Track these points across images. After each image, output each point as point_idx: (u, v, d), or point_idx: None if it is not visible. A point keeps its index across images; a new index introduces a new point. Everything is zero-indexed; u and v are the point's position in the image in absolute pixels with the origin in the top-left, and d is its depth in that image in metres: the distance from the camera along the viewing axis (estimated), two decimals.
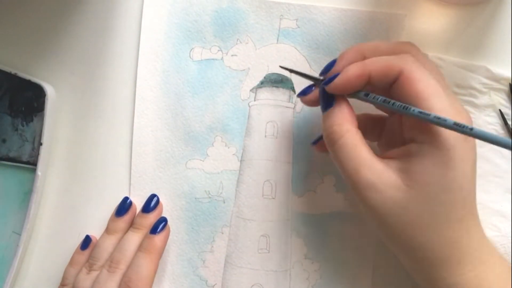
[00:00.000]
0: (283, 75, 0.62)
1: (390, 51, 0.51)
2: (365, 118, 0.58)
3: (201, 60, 0.63)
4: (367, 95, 0.50)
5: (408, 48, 0.51)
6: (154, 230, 0.60)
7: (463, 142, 0.46)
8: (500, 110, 0.61)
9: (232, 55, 0.62)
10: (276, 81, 0.62)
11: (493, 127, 0.61)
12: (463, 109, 0.49)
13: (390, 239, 0.51)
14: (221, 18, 0.62)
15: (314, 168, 0.62)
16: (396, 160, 0.49)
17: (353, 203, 0.62)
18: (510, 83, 0.60)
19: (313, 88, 0.55)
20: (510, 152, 0.61)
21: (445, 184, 0.46)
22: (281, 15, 0.62)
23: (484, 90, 0.60)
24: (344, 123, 0.50)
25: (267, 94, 0.62)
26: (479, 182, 0.60)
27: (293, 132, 0.62)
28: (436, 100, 0.46)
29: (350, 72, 0.49)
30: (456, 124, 0.43)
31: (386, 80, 0.49)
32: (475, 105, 0.61)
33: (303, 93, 0.56)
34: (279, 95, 0.62)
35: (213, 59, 0.62)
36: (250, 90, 0.63)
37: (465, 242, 0.48)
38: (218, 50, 0.62)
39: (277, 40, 0.62)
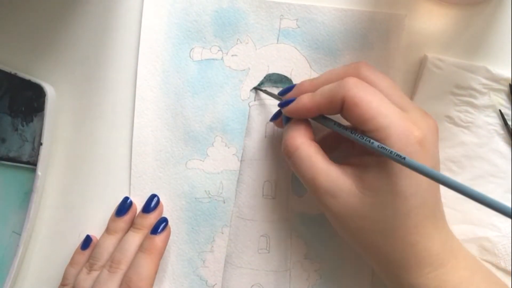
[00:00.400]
0: (283, 75, 0.63)
1: (340, 77, 0.52)
2: (324, 133, 0.60)
3: (201, 60, 0.63)
4: (324, 119, 0.54)
5: (357, 69, 0.53)
6: (155, 230, 0.60)
7: (419, 153, 0.48)
8: (500, 111, 0.61)
9: (232, 55, 0.63)
10: (276, 81, 0.63)
11: (493, 127, 0.61)
12: (422, 118, 0.51)
13: (352, 242, 0.54)
14: (221, 18, 0.62)
15: None
16: (353, 167, 0.52)
17: None
18: (510, 84, 0.60)
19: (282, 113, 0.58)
20: (509, 152, 0.61)
21: (397, 192, 0.48)
22: (281, 15, 0.62)
23: (484, 90, 0.61)
24: (298, 136, 0.53)
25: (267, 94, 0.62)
26: (479, 183, 0.60)
27: None
28: (381, 118, 0.48)
29: (301, 103, 0.53)
30: (395, 153, 0.46)
31: (333, 109, 0.51)
32: (475, 106, 0.61)
33: (275, 118, 0.60)
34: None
35: (213, 59, 0.63)
36: (250, 90, 0.63)
37: (422, 247, 0.50)
38: (218, 50, 0.63)
39: (277, 40, 0.62)
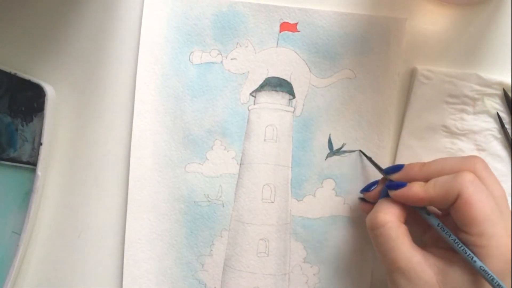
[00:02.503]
0: (283, 79, 0.64)
1: (454, 169, 0.53)
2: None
3: (201, 63, 0.64)
4: (427, 214, 0.55)
5: (473, 165, 0.53)
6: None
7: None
8: (497, 113, 0.62)
9: (231, 59, 0.64)
10: (275, 85, 0.64)
11: (490, 132, 0.63)
12: None
13: None
14: (220, 21, 0.64)
15: (313, 172, 0.64)
16: (437, 258, 0.52)
17: (353, 207, 0.64)
18: (503, 88, 0.62)
19: (374, 186, 0.60)
20: (508, 155, 0.63)
21: None
22: (281, 18, 0.63)
23: (477, 96, 0.62)
24: (389, 214, 0.54)
25: (266, 98, 0.64)
26: None
27: (293, 136, 0.64)
28: (489, 225, 0.49)
29: (413, 191, 0.54)
30: (496, 282, 0.48)
31: (446, 203, 0.52)
32: (469, 113, 0.63)
33: (366, 190, 0.60)
34: (278, 99, 0.64)
35: (212, 62, 0.64)
36: (250, 94, 0.64)
37: None
38: (218, 54, 0.64)
39: (277, 43, 0.64)
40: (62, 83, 0.65)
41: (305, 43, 0.63)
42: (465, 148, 0.63)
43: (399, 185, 0.55)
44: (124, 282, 0.64)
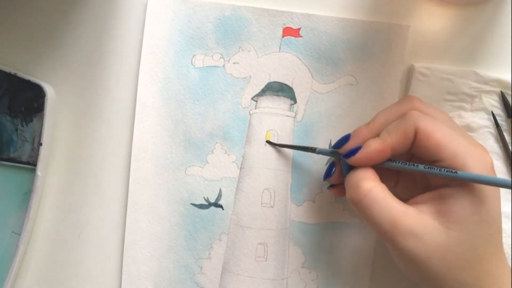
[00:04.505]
0: (285, 84, 0.65)
1: (397, 115, 0.53)
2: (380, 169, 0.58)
3: (203, 67, 0.65)
4: (392, 162, 0.54)
5: (411, 104, 0.54)
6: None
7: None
8: (492, 112, 0.63)
9: (234, 63, 0.65)
10: (277, 90, 0.65)
11: (487, 129, 0.64)
12: (481, 145, 0.52)
13: (429, 282, 0.51)
14: (223, 25, 0.64)
15: (313, 178, 0.65)
16: (427, 204, 0.52)
17: (352, 213, 0.65)
18: (501, 91, 0.63)
19: (334, 169, 0.58)
20: (507, 153, 0.64)
21: (481, 219, 0.49)
22: (284, 23, 0.64)
23: (475, 93, 0.64)
24: (368, 179, 0.52)
25: (268, 103, 0.64)
26: None
27: (294, 141, 0.65)
28: (456, 146, 0.49)
29: (372, 148, 0.53)
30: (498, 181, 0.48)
31: (407, 144, 0.52)
32: (467, 110, 0.64)
33: (328, 175, 0.59)
34: (280, 104, 0.64)
35: (214, 66, 0.65)
36: (251, 98, 0.65)
37: (500, 273, 0.51)
38: (220, 58, 0.65)
39: (279, 48, 0.64)
40: (62, 83, 0.66)
41: (308, 48, 0.64)
42: None
43: (356, 149, 0.54)
44: (123, 283, 0.65)
